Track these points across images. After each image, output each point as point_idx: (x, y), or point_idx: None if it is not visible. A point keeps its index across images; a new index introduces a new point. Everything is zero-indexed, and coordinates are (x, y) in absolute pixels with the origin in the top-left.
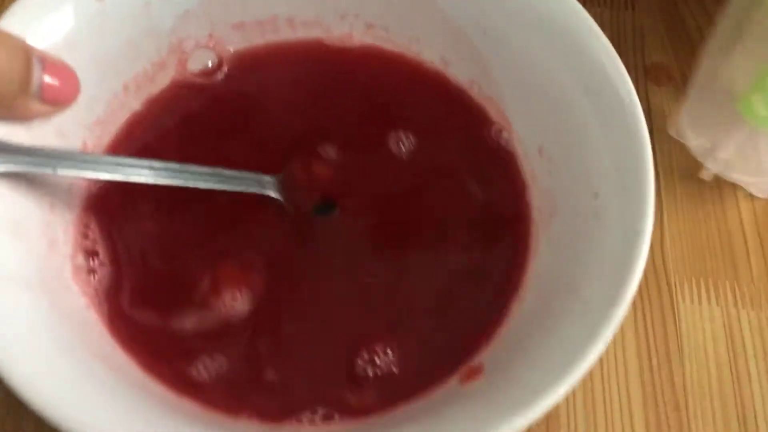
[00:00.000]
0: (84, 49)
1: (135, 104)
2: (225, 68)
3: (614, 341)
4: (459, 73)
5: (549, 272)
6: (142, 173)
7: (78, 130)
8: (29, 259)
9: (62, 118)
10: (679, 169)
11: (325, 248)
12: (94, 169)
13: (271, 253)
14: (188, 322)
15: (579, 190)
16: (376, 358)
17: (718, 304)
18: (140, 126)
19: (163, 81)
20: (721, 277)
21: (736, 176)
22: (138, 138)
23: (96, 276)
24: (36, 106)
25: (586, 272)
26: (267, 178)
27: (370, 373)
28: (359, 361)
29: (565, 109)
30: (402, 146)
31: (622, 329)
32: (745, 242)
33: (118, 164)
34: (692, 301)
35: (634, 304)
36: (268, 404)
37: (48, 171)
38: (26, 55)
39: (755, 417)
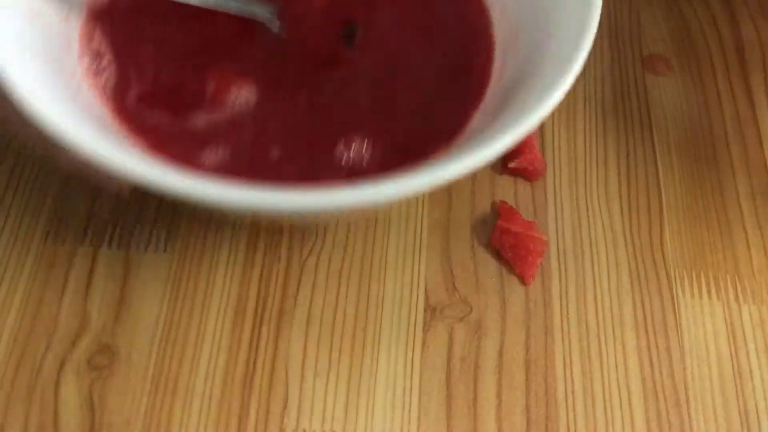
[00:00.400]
0: None
1: None
2: None
3: (613, 337)
4: None
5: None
6: None
7: None
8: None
9: None
10: (678, 165)
11: (315, 59)
12: None
13: (264, 62)
14: (192, 116)
15: None
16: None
17: (719, 299)
18: None
19: None
20: (722, 270)
21: None
22: None
23: (103, 76)
24: None
25: (552, 29)
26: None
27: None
28: (352, 145)
29: None
30: None
31: (621, 325)
32: (746, 235)
33: None
34: (693, 295)
35: (633, 297)
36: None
37: None
38: None
39: (757, 412)
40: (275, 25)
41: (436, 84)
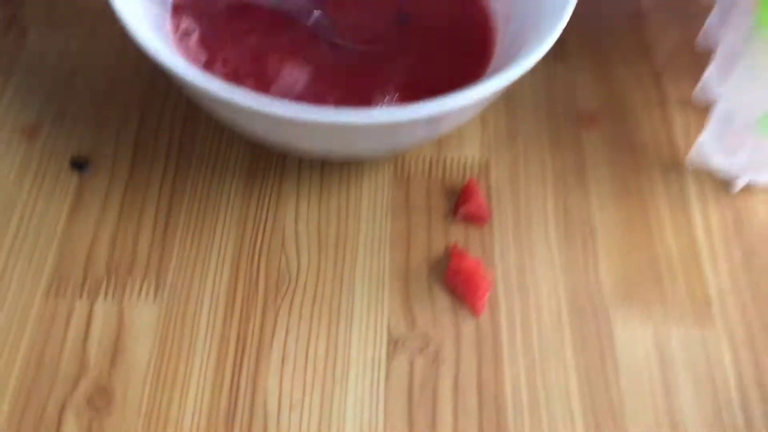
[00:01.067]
0: None
1: None
2: None
3: (555, 361)
4: None
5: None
6: None
7: None
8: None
9: None
10: (610, 207)
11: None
12: None
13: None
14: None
15: None
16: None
17: (649, 323)
18: None
19: None
20: (651, 298)
21: (761, 176)
22: None
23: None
24: None
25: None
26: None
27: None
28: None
29: None
30: None
31: (562, 350)
32: (671, 268)
33: None
34: (625, 321)
35: (572, 325)
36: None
37: None
38: None
39: (685, 425)
40: (318, 18)
41: (458, 46)
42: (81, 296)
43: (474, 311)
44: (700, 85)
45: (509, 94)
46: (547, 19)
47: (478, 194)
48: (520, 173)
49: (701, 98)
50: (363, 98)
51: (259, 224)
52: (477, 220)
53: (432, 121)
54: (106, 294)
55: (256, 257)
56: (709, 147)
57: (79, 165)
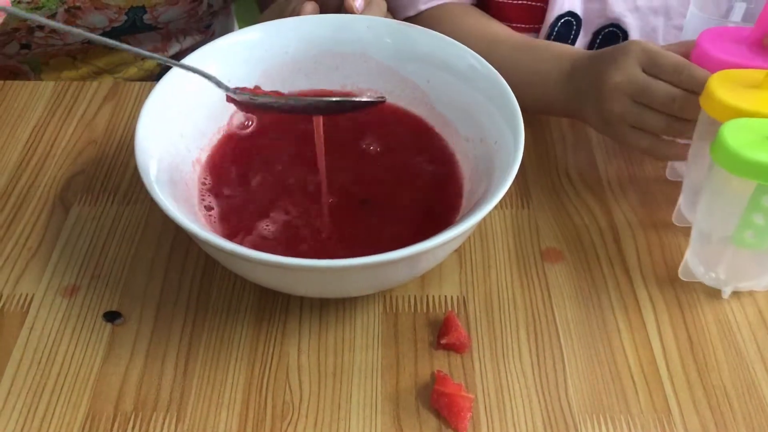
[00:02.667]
0: (194, 109)
1: None
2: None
3: None
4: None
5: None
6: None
7: (190, 155)
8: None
9: (182, 149)
10: (575, 332)
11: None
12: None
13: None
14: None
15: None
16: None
17: None
18: None
19: None
20: (616, 410)
21: (742, 285)
22: None
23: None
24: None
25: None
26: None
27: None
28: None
29: (478, 108)
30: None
31: None
32: (633, 382)
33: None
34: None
35: None
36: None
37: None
38: None
39: None
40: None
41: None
42: (112, 431)
43: (457, 430)
44: (674, 213)
45: (483, 238)
46: (499, 178)
47: (457, 326)
48: (494, 306)
49: (678, 221)
50: (356, 246)
51: (267, 360)
52: (458, 348)
53: (413, 260)
54: (133, 428)
55: (264, 389)
56: (693, 262)
57: (110, 317)
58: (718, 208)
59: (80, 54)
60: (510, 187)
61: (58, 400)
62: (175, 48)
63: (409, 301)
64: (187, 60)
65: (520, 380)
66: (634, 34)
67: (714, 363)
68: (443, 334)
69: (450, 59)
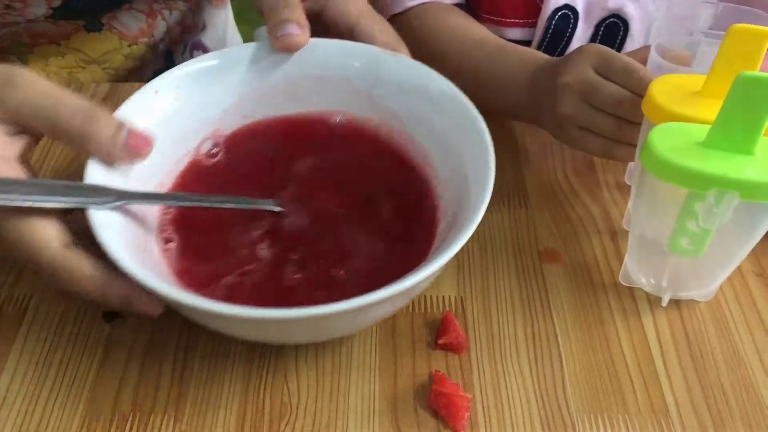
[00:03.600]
0: (157, 135)
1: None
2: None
3: None
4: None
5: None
6: (202, 202)
7: (152, 180)
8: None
9: (144, 175)
10: (573, 331)
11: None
12: (168, 200)
13: (275, 231)
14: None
15: (459, 167)
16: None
17: None
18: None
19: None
20: (614, 411)
21: (682, 293)
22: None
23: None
24: (121, 155)
25: (468, 200)
26: (270, 201)
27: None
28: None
29: (453, 139)
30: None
31: None
32: (631, 382)
33: (181, 198)
34: None
35: None
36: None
37: (145, 204)
38: (119, 123)
39: None
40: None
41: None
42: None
43: (456, 430)
44: (624, 217)
45: (481, 238)
46: (471, 209)
47: (455, 326)
48: (492, 306)
49: (627, 225)
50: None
51: (264, 361)
52: (455, 348)
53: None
54: (131, 428)
55: (262, 390)
56: (632, 268)
57: (109, 317)
58: (651, 214)
59: (62, 40)
60: (507, 187)
61: (56, 401)
62: (162, 27)
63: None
64: (164, 77)
65: (517, 380)
66: (636, 25)
67: (712, 362)
68: (441, 334)
69: (430, 90)
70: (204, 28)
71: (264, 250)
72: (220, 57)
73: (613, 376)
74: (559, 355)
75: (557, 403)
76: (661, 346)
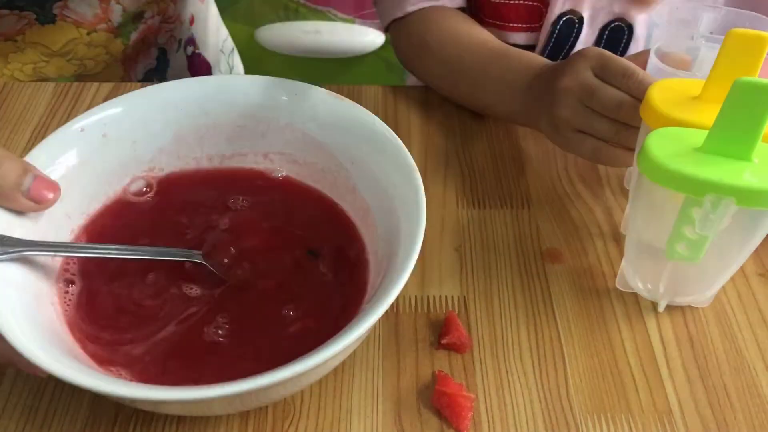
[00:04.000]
0: (81, 173)
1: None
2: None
3: None
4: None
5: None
6: (110, 252)
7: (70, 221)
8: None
9: (60, 216)
10: (576, 331)
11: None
12: (79, 252)
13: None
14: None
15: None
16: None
17: None
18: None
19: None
20: (617, 410)
21: (679, 299)
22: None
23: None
24: (26, 202)
25: (398, 243)
26: (194, 252)
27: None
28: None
29: (387, 182)
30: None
31: None
32: (634, 382)
33: (92, 248)
34: None
35: None
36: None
37: (50, 254)
38: (24, 168)
39: None
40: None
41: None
42: None
43: (459, 429)
44: (622, 222)
45: (483, 238)
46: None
47: (458, 326)
48: (495, 306)
49: (625, 229)
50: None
51: None
52: (458, 348)
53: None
54: (134, 429)
55: None
56: (629, 273)
57: None
58: (648, 219)
59: (17, 35)
60: (510, 187)
61: (59, 402)
62: (117, 10)
63: (410, 302)
64: (90, 114)
65: (521, 380)
66: (640, 29)
67: (715, 363)
68: (444, 334)
69: (370, 132)
70: (193, 22)
71: (176, 306)
72: (153, 93)
73: (616, 377)
74: (562, 355)
75: (560, 403)
76: (664, 347)
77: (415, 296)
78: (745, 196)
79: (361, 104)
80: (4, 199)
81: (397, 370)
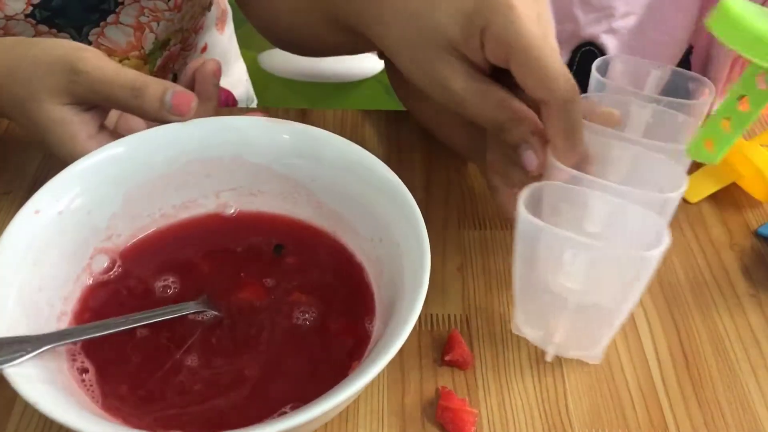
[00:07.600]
0: (48, 257)
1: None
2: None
3: None
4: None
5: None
6: (125, 324)
7: (54, 309)
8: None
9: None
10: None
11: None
12: (87, 334)
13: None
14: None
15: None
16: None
17: None
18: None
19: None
20: (615, 427)
21: (571, 353)
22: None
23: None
24: (173, 118)
25: (402, 285)
26: (195, 302)
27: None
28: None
29: (382, 214)
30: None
31: None
32: (631, 398)
33: (104, 326)
34: None
35: None
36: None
37: (51, 347)
38: (164, 88)
39: None
40: (210, 310)
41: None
42: None
43: None
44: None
45: (484, 256)
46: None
47: (461, 343)
48: (496, 324)
49: None
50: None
51: None
52: (461, 365)
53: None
54: None
55: None
56: (519, 320)
57: None
58: (533, 258)
59: None
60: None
61: None
62: (150, 38)
63: None
64: (42, 193)
65: (522, 396)
66: (613, 53)
67: (708, 379)
68: (447, 351)
69: (332, 154)
70: (206, 49)
71: (193, 362)
72: (97, 157)
73: (614, 393)
74: (561, 372)
75: (560, 418)
76: (660, 364)
77: (420, 315)
78: None
79: (365, 128)
80: (152, 118)
81: (401, 386)
